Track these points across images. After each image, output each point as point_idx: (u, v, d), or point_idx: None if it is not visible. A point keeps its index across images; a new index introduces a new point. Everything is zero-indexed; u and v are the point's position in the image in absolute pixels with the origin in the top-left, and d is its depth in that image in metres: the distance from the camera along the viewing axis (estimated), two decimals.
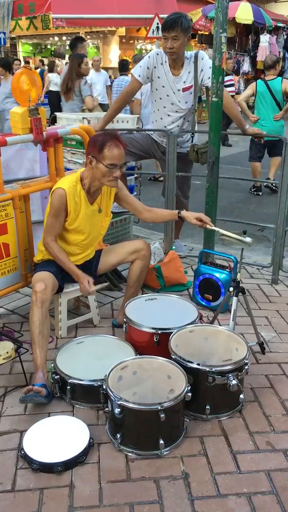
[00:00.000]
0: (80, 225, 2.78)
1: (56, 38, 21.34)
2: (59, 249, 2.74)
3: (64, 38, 21.17)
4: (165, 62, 3.63)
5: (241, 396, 2.38)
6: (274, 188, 6.69)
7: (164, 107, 3.77)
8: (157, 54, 3.66)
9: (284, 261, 4.04)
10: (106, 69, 19.02)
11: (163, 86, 3.68)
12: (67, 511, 1.86)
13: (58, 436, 2.16)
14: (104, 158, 2.57)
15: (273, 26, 14.50)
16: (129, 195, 2.97)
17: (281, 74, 9.99)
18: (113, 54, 19.88)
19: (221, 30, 3.18)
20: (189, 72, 3.64)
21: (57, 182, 2.80)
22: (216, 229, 2.82)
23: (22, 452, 2.07)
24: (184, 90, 3.67)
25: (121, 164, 2.62)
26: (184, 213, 2.88)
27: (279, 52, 15.30)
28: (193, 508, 1.88)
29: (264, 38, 14.37)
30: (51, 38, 21.45)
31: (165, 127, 3.83)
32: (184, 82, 3.65)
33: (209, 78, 3.46)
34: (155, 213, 3.00)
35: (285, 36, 15.55)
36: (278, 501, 1.92)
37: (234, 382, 2.25)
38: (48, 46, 23.47)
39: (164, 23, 3.47)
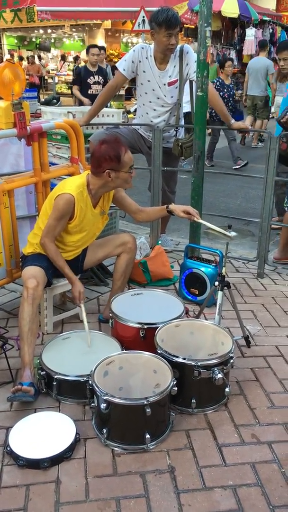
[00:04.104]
0: (82, 228, 2.79)
1: (41, 31, 21.11)
2: (57, 251, 2.72)
3: (49, 31, 20.98)
4: (150, 56, 3.61)
5: (227, 389, 2.39)
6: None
7: (150, 101, 3.75)
8: (142, 48, 3.64)
9: (270, 255, 4.07)
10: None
11: (149, 81, 3.67)
12: (54, 507, 1.86)
13: (44, 432, 2.16)
14: (124, 166, 2.63)
15: (259, 20, 14.50)
16: (126, 196, 2.97)
17: None
18: None
19: (205, 24, 3.17)
20: (174, 66, 3.63)
21: (61, 184, 2.74)
22: (203, 222, 2.84)
23: (8, 449, 2.06)
24: (170, 84, 3.66)
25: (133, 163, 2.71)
26: (172, 206, 2.90)
27: None
28: (179, 501, 1.90)
29: (250, 32, 14.38)
30: (36, 31, 21.20)
31: (151, 121, 3.82)
32: (170, 76, 3.64)
33: (195, 72, 3.45)
34: (147, 213, 3.03)
35: (271, 30, 15.57)
36: (263, 492, 1.94)
37: (219, 375, 2.26)
38: (33, 39, 23.23)
39: (167, 20, 3.39)
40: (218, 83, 7.65)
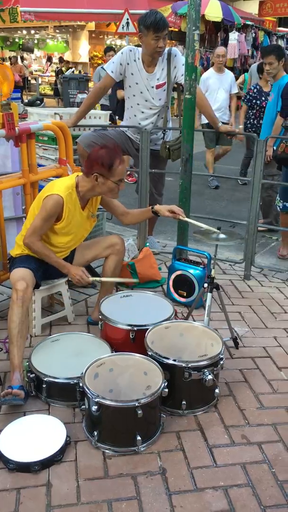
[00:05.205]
0: (71, 230, 2.78)
1: (24, 32, 21.01)
2: (44, 246, 2.72)
3: (32, 31, 20.89)
4: (138, 59, 3.62)
5: (216, 390, 2.41)
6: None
7: (138, 104, 3.76)
8: (130, 50, 3.64)
9: (256, 257, 4.10)
10: (76, 64, 18.90)
11: (137, 83, 3.67)
12: (45, 510, 1.85)
13: (34, 435, 2.14)
14: (113, 175, 2.62)
15: (242, 24, 14.64)
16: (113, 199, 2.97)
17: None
18: (83, 49, 19.71)
19: (193, 28, 3.19)
20: (162, 69, 3.64)
21: (50, 185, 2.73)
22: (189, 220, 2.86)
23: None
24: (158, 87, 3.67)
25: (124, 177, 2.69)
26: (157, 207, 2.92)
27: (248, 50, 15.48)
28: (171, 502, 1.90)
29: (233, 36, 14.49)
30: (19, 32, 21.10)
31: (139, 124, 3.82)
32: (158, 79, 3.66)
33: (182, 75, 3.47)
34: (132, 215, 3.04)
35: (254, 34, 15.72)
36: (253, 493, 1.96)
37: (209, 377, 2.28)
38: (16, 40, 23.08)
39: (155, 23, 3.39)
40: (255, 90, 6.42)
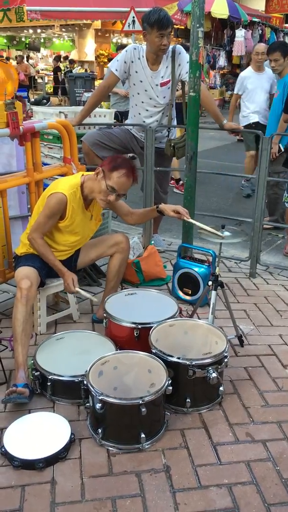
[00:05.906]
0: (75, 228, 2.79)
1: (31, 31, 21.05)
2: (45, 245, 2.73)
3: (38, 30, 20.92)
4: (143, 57, 3.62)
5: (221, 388, 2.40)
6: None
7: (142, 102, 3.76)
8: (135, 48, 3.64)
9: (261, 255, 4.09)
10: (82, 62, 18.90)
11: (141, 81, 3.68)
12: (49, 507, 1.86)
13: (39, 432, 2.15)
14: (110, 178, 2.61)
15: (248, 21, 14.58)
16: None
17: None
18: (89, 48, 19.72)
19: (198, 25, 3.18)
20: (166, 67, 3.64)
21: (55, 183, 2.74)
22: (193, 221, 2.84)
23: (3, 450, 2.05)
24: (162, 85, 3.67)
25: (120, 192, 2.67)
26: (162, 206, 2.90)
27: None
28: (175, 500, 1.90)
29: (240, 33, 14.45)
30: (25, 31, 21.13)
31: (144, 122, 3.82)
32: (162, 77, 3.65)
33: (187, 72, 3.46)
34: (138, 215, 3.03)
35: (260, 31, 15.66)
36: (258, 490, 1.95)
37: (214, 375, 2.28)
38: (23, 39, 23.14)
39: (159, 21, 3.40)
40: None
